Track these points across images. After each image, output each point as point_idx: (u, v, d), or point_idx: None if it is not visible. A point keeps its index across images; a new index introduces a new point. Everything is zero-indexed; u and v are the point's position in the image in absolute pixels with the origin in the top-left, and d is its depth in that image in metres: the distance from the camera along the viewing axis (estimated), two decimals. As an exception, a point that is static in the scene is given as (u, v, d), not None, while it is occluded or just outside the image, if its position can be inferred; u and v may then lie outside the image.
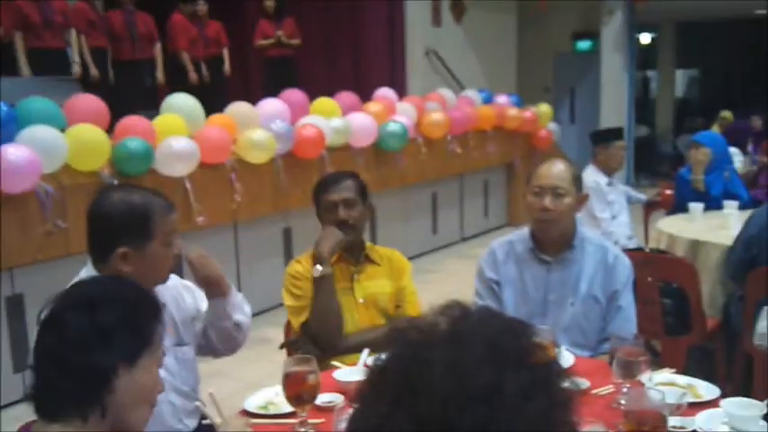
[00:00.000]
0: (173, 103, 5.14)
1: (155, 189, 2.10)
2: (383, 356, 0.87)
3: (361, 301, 2.67)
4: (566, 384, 0.86)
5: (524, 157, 8.38)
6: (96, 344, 1.33)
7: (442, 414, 0.78)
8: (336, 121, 5.92)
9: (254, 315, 5.35)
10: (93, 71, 6.63)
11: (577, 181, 2.55)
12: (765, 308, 2.38)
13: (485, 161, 7.97)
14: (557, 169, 2.52)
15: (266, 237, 5.69)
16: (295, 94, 6.01)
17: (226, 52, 7.82)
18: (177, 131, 4.82)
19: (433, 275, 6.58)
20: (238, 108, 5.44)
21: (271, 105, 5.63)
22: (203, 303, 2.26)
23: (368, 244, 2.77)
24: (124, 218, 1.94)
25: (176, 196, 4.76)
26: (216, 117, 5.32)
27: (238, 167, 5.16)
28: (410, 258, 7.12)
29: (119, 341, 1.34)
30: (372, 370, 0.87)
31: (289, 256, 5.72)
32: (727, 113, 7.68)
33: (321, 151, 5.69)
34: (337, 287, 2.62)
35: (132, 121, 4.72)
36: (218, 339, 2.27)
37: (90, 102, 4.79)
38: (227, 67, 7.81)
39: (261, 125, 5.33)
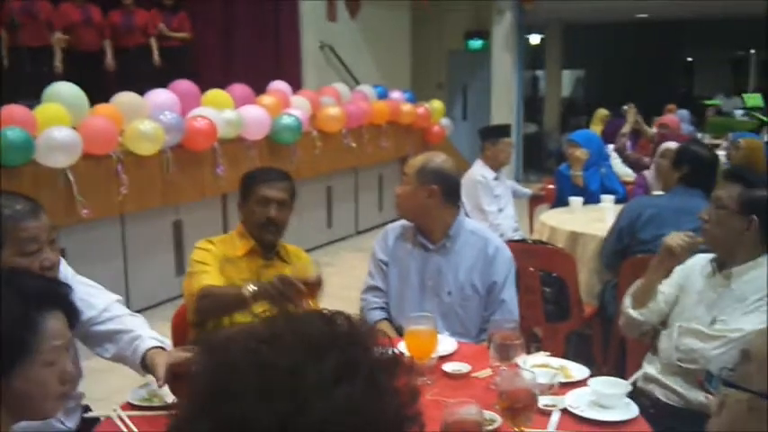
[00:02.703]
0: (55, 92, 4.95)
1: (18, 192, 1.94)
2: (196, 366, 0.86)
3: None
4: (388, 363, 0.85)
5: (418, 152, 8.45)
6: None
7: (243, 412, 0.78)
8: (229, 113, 5.85)
9: (143, 310, 5.25)
10: None
11: (422, 173, 2.69)
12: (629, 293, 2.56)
13: (379, 155, 8.06)
14: (410, 162, 2.80)
15: (155, 230, 5.56)
16: (186, 86, 5.90)
17: (153, 42, 7.70)
18: (59, 121, 4.64)
19: (329, 269, 6.58)
20: (125, 98, 5.29)
21: (160, 96, 5.50)
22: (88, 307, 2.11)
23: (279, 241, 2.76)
24: None
25: (59, 188, 4.60)
26: (101, 107, 5.16)
27: (125, 159, 5.02)
28: (305, 252, 7.07)
29: None
30: (189, 380, 0.86)
31: (179, 249, 5.61)
32: (603, 111, 8.00)
33: (213, 143, 5.62)
34: (243, 279, 2.58)
35: (11, 110, 4.51)
36: (114, 359, 2.16)
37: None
38: (155, 57, 7.67)
39: (149, 116, 5.20)
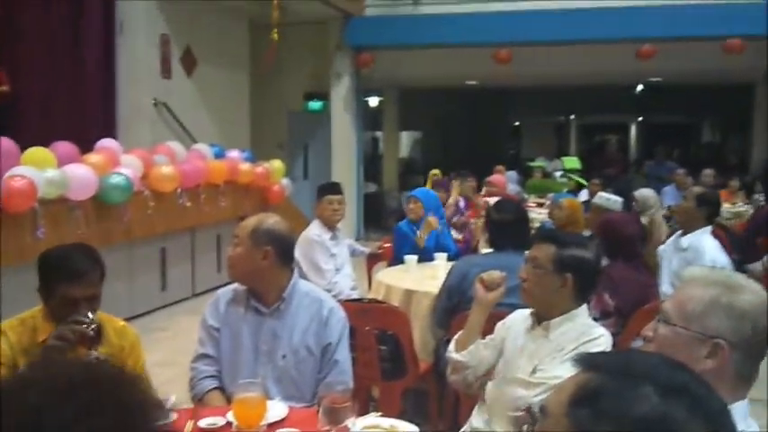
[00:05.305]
0: None
1: None
2: None
3: None
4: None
5: (257, 212, 8.36)
6: None
7: None
8: (51, 172, 5.52)
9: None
10: None
11: (256, 234, 2.63)
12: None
13: (217, 215, 7.89)
14: (242, 223, 2.72)
15: (-35, 299, 5.08)
16: (3, 143, 5.50)
17: None
18: None
19: (162, 333, 6.30)
20: (-68, 156, 4.86)
21: (-28, 154, 5.10)
22: None
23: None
24: None
25: None
26: None
27: (-70, 222, 4.59)
28: (137, 317, 6.72)
29: None
30: None
31: (-7, 319, 5.15)
32: (436, 171, 8.41)
33: (32, 204, 5.26)
34: None
35: None
36: None
37: None
38: None
39: (-40, 175, 4.80)
